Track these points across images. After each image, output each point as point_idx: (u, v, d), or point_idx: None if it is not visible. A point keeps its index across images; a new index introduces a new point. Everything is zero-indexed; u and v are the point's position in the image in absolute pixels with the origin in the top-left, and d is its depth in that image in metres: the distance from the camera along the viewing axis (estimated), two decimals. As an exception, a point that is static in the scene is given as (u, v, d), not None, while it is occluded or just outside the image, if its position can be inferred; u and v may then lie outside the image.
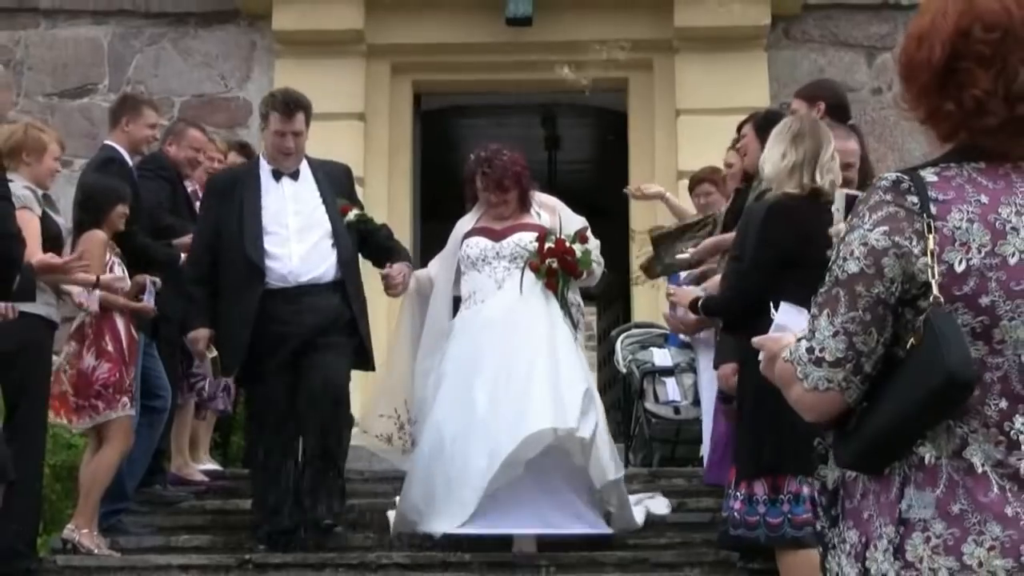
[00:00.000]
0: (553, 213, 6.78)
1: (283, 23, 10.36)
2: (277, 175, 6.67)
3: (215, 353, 6.47)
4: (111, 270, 6.53)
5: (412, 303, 6.92)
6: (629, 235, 9.80)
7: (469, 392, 6.33)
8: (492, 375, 6.33)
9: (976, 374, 2.15)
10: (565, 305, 6.62)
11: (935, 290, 2.16)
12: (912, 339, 2.18)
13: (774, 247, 4.83)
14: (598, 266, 6.79)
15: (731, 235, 6.19)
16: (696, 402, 8.28)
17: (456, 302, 6.85)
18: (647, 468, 8.29)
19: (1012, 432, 2.17)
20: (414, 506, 6.41)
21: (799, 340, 2.29)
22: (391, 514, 6.72)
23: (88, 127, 10.20)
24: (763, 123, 6.41)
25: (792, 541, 4.71)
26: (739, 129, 6.88)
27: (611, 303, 13.20)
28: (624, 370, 8.81)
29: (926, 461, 2.18)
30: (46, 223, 6.10)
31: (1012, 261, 2.18)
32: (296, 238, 6.54)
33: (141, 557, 6.46)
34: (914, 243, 2.20)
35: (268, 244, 6.49)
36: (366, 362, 6.73)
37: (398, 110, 10.79)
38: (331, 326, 6.50)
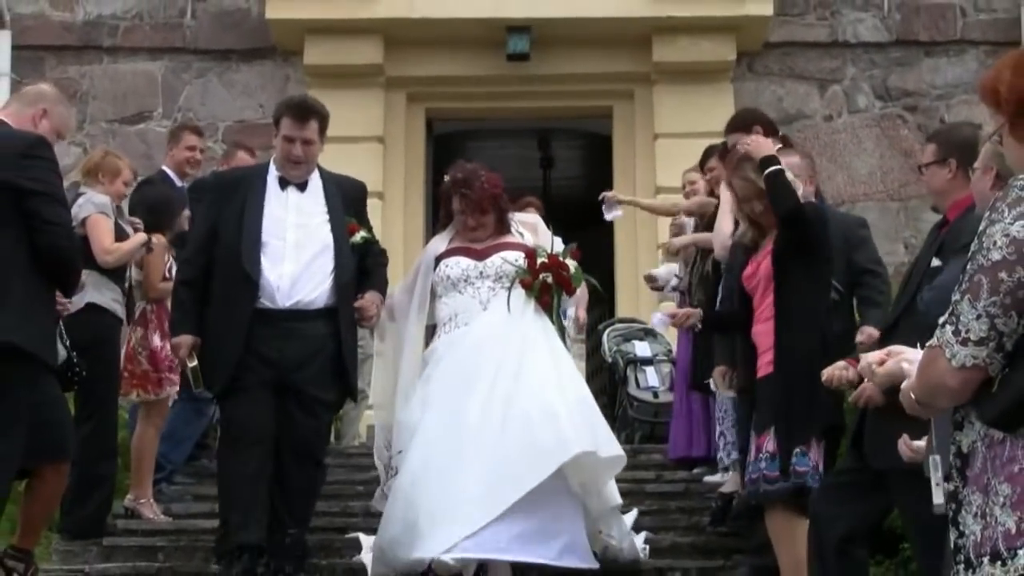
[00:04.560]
0: (535, 232, 5.77)
1: (313, 58, 10.39)
2: (284, 183, 5.47)
3: (195, 363, 5.33)
4: (169, 271, 6.54)
5: (384, 336, 5.75)
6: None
7: (458, 415, 5.20)
8: (487, 397, 5.19)
9: None
10: (560, 324, 5.58)
11: None
12: None
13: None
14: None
15: (708, 235, 6.19)
16: (672, 388, 8.31)
17: (429, 329, 5.71)
18: (629, 445, 8.29)
19: None
20: (393, 538, 5.18)
21: (943, 326, 2.28)
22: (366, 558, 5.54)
23: (144, 149, 10.21)
24: (726, 153, 6.40)
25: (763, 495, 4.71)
26: (705, 156, 6.81)
27: (598, 301, 13.20)
28: (610, 360, 8.85)
29: None
30: (116, 229, 6.18)
31: None
32: (292, 255, 5.33)
33: (190, 522, 6.46)
34: None
35: (263, 257, 5.30)
36: (351, 394, 5.66)
37: (413, 134, 10.80)
38: (313, 357, 5.29)
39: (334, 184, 5.60)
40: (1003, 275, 2.20)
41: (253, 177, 5.58)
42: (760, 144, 5.08)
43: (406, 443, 5.32)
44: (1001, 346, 2.22)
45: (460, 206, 5.58)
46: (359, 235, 5.51)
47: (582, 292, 8.26)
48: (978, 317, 2.21)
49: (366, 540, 5.71)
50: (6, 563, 5.03)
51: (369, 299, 5.46)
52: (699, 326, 5.43)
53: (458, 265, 5.52)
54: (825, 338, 4.82)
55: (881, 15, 10.61)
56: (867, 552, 4.62)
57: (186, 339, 5.34)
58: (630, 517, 5.85)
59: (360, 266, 5.52)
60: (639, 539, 5.76)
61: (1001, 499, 2.22)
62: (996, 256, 2.21)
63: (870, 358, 2.72)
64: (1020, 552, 2.16)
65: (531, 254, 5.51)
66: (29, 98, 4.91)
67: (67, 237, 4.66)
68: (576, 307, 8.07)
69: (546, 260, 5.49)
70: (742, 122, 6.23)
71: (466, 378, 5.28)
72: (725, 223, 5.57)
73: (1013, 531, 2.19)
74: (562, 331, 5.60)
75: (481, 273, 5.48)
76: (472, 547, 4.99)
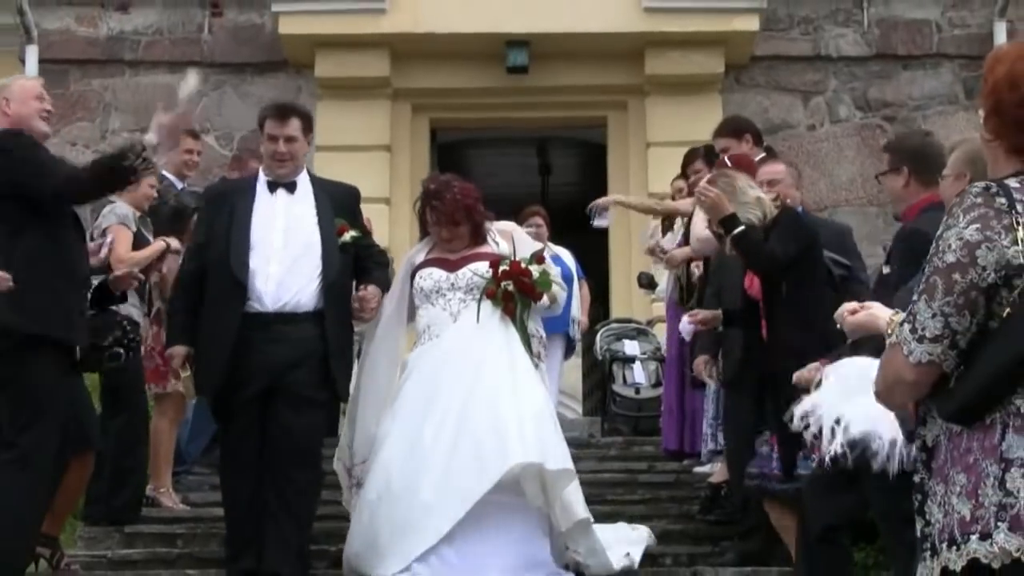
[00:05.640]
0: (511, 240, 5.47)
1: (323, 71, 10.42)
2: (273, 187, 5.26)
3: (188, 372, 5.22)
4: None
5: (366, 337, 5.51)
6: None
7: (419, 430, 5.02)
8: (443, 412, 5.02)
9: None
10: (525, 333, 5.29)
11: None
12: (1008, 310, 2.22)
13: None
14: (561, 290, 5.47)
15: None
16: (655, 384, 8.35)
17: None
18: (621, 437, 8.34)
19: None
20: (357, 553, 5.09)
21: (902, 324, 2.30)
22: None
23: (163, 158, 10.25)
24: (709, 155, 6.43)
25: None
26: (685, 163, 6.83)
27: (592, 302, 13.23)
28: (600, 358, 8.91)
29: (1022, 410, 2.22)
30: (139, 239, 6.21)
31: None
32: (278, 257, 5.10)
33: (207, 510, 6.46)
34: (1003, 236, 2.23)
35: (252, 260, 5.09)
36: (339, 397, 5.39)
37: (418, 143, 10.82)
38: (303, 360, 5.06)
39: (323, 188, 5.39)
40: (956, 276, 2.23)
41: (242, 186, 5.45)
42: (715, 203, 5.04)
43: (372, 454, 5.18)
44: (955, 344, 2.25)
45: (431, 218, 5.38)
46: (348, 235, 5.25)
47: (585, 295, 8.32)
48: (933, 316, 2.24)
49: None
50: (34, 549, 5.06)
51: (371, 291, 5.23)
52: (720, 327, 5.50)
53: (431, 277, 5.33)
54: (824, 335, 4.82)
55: (861, 30, 10.65)
56: (849, 539, 4.64)
57: (179, 350, 5.23)
58: (643, 536, 5.58)
59: (360, 267, 5.32)
60: (618, 553, 5.32)
61: (958, 488, 2.26)
62: (950, 258, 2.24)
63: (844, 307, 2.73)
64: (972, 537, 2.21)
65: (495, 262, 5.29)
66: None
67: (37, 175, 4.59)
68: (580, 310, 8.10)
69: (507, 268, 5.25)
70: (732, 128, 6.26)
71: (427, 394, 5.12)
72: (699, 223, 5.68)
73: (968, 519, 2.24)
74: (527, 339, 5.33)
75: (452, 285, 5.28)
76: (425, 570, 4.86)
